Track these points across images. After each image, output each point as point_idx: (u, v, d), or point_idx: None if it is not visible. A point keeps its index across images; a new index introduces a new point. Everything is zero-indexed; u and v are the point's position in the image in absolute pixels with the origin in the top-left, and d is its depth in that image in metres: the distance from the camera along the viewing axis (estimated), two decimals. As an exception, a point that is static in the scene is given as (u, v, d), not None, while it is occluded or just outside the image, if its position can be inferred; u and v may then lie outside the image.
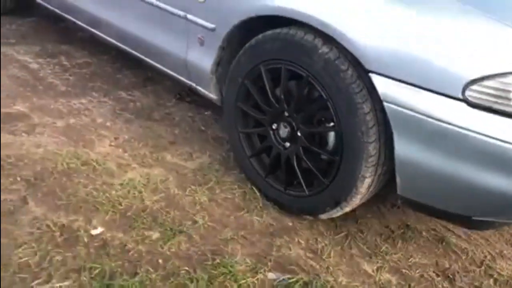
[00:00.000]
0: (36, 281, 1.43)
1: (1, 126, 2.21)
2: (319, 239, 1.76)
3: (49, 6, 2.82)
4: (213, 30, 1.83)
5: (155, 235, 1.67)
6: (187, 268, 1.54)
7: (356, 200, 1.62)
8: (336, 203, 1.65)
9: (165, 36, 2.06)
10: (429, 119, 1.37)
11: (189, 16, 1.90)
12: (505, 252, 1.87)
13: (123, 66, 2.93)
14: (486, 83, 1.29)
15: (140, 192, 1.85)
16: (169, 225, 1.72)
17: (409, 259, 1.74)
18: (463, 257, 1.79)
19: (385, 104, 1.43)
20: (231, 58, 1.85)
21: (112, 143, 2.17)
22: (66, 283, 1.43)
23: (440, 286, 1.65)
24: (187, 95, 2.65)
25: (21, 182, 1.86)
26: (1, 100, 2.43)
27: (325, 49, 1.53)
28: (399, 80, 1.39)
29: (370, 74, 1.44)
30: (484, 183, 1.36)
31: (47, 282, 1.43)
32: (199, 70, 1.97)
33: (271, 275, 1.55)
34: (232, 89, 1.85)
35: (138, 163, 2.05)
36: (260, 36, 1.70)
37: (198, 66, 1.97)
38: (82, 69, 2.89)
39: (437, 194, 1.48)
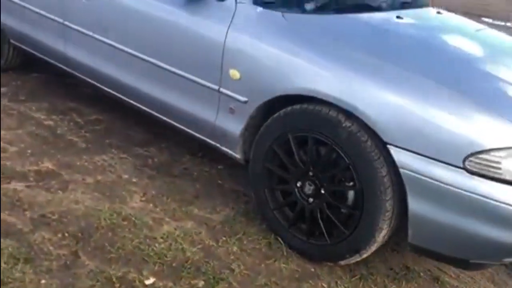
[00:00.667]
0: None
1: (36, 183, 2.41)
2: (338, 282, 2.05)
3: (66, 69, 3.02)
4: (245, 102, 2.14)
5: (201, 283, 1.92)
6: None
7: (373, 248, 1.94)
8: (356, 251, 1.95)
9: (195, 103, 2.34)
10: (437, 182, 1.71)
11: (222, 90, 2.20)
12: (488, 288, 2.23)
13: (133, 122, 3.16)
14: (481, 155, 1.66)
15: (180, 244, 2.09)
16: (211, 273, 1.96)
17: (413, 297, 2.06)
18: (456, 294, 2.13)
19: (400, 169, 1.77)
20: (259, 124, 2.16)
21: (143, 199, 2.40)
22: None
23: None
24: (198, 151, 2.91)
25: (69, 238, 2.06)
26: (28, 158, 2.63)
27: (348, 123, 1.87)
28: (412, 151, 1.74)
29: (388, 146, 1.78)
30: (481, 234, 1.71)
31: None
32: (228, 134, 2.26)
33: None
34: (259, 151, 2.15)
35: (170, 217, 2.29)
36: (288, 109, 2.02)
37: (227, 131, 2.25)
38: (95, 126, 3.10)
39: (442, 242, 1.81)
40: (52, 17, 2.91)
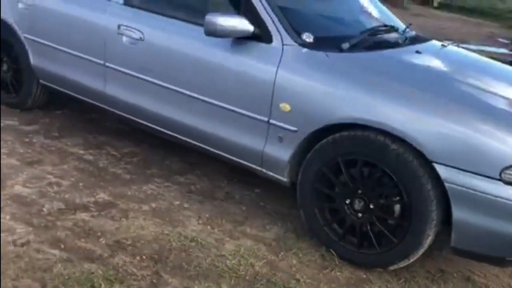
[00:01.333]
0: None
1: (99, 213, 2.62)
2: (388, 286, 2.34)
3: (103, 106, 3.23)
4: (295, 131, 2.43)
5: (273, 293, 2.17)
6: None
7: (420, 252, 2.24)
8: (405, 256, 2.25)
9: (243, 134, 2.61)
10: (477, 193, 2.04)
11: (272, 121, 2.49)
12: (511, 283, 2.56)
13: (166, 153, 3.40)
14: (515, 168, 2.01)
15: (247, 259, 2.33)
16: (281, 284, 2.22)
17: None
18: (487, 290, 2.45)
19: (445, 184, 2.09)
20: (305, 150, 2.45)
21: (199, 222, 2.64)
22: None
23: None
24: (233, 176, 3.17)
25: (147, 260, 2.28)
26: (83, 190, 2.83)
27: (394, 146, 2.18)
28: (455, 167, 2.07)
29: (433, 163, 2.11)
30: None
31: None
32: (276, 160, 2.54)
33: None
34: (308, 174, 2.44)
35: (229, 237, 2.53)
36: (337, 135, 2.32)
37: (276, 157, 2.53)
38: (132, 158, 3.32)
39: (481, 244, 2.13)
40: (92, 59, 3.13)
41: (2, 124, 3.56)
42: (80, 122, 3.77)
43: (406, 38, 2.92)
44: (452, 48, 3.14)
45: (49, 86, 3.60)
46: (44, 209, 2.59)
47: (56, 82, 3.49)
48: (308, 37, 2.49)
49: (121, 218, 2.59)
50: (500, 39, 14.51)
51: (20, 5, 3.45)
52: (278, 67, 2.43)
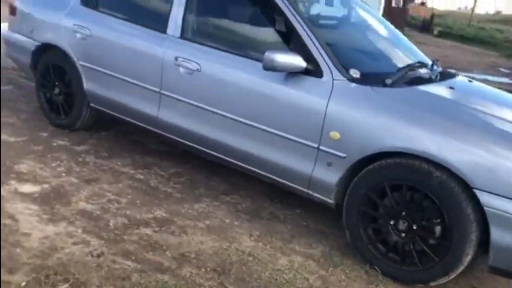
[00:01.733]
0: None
1: (160, 228, 2.86)
2: (428, 300, 2.58)
3: (154, 129, 3.49)
4: (343, 157, 2.69)
5: (329, 303, 2.40)
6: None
7: (460, 270, 2.49)
8: (446, 274, 2.49)
9: (292, 158, 2.87)
10: (513, 216, 2.30)
11: (322, 148, 2.75)
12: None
13: (209, 173, 3.66)
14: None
15: (301, 274, 2.57)
16: (334, 296, 2.45)
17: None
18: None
19: (484, 208, 2.35)
20: (352, 175, 2.71)
21: (251, 238, 2.88)
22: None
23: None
24: (275, 197, 3.42)
25: (211, 272, 2.52)
26: (141, 207, 3.07)
27: (438, 173, 2.44)
28: (494, 193, 2.33)
29: (474, 190, 2.37)
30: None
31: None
32: (324, 183, 2.79)
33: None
34: (355, 197, 2.69)
35: (280, 253, 2.77)
36: (383, 162, 2.58)
37: (323, 181, 2.78)
38: (179, 178, 3.57)
39: (516, 263, 2.38)
40: (148, 86, 3.41)
41: (54, 144, 3.82)
42: (125, 144, 4.03)
43: (436, 74, 3.20)
44: (476, 83, 3.42)
45: (99, 109, 3.86)
46: (110, 224, 2.83)
47: (107, 106, 3.75)
48: (355, 73, 2.77)
49: (181, 234, 2.83)
50: (502, 69, 14.93)
51: (78, 35, 3.73)
52: (329, 99, 2.71)
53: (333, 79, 2.74)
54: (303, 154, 2.83)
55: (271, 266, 2.61)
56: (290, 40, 2.90)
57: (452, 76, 3.39)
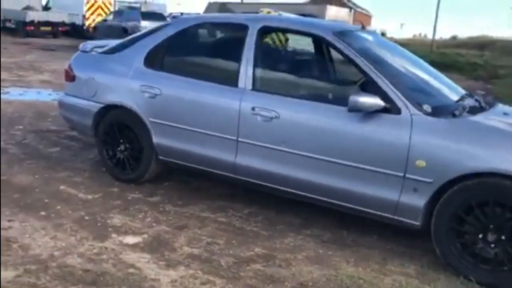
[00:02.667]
0: None
1: (267, 263, 3.12)
2: (523, 301, 2.90)
3: (229, 174, 3.79)
4: (430, 183, 3.04)
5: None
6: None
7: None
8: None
9: (378, 187, 3.21)
10: None
11: (408, 176, 3.10)
12: None
13: (279, 211, 3.93)
14: None
15: (410, 289, 2.87)
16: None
17: None
18: None
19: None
20: (438, 197, 3.05)
21: (350, 265, 3.16)
22: None
23: None
24: (349, 227, 3.72)
25: (329, 296, 2.79)
26: (239, 246, 3.32)
27: (518, 186, 2.82)
28: None
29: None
30: None
31: None
32: (411, 208, 3.13)
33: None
34: (444, 216, 3.03)
35: (382, 274, 3.05)
36: (469, 182, 2.95)
37: (410, 205, 3.12)
38: (256, 217, 3.83)
39: None
40: (224, 135, 3.72)
41: (129, 198, 4.06)
42: (190, 191, 4.29)
43: (486, 103, 3.63)
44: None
45: (168, 161, 4.13)
46: (223, 263, 3.07)
47: (179, 157, 4.03)
48: (427, 108, 3.16)
49: (288, 266, 3.09)
50: (478, 91, 15.79)
51: (146, 95, 4.04)
52: (411, 132, 3.08)
53: (411, 115, 3.12)
54: (388, 183, 3.17)
55: (382, 286, 2.89)
56: (365, 84, 3.28)
57: (495, 104, 3.82)
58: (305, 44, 4.23)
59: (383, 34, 41.09)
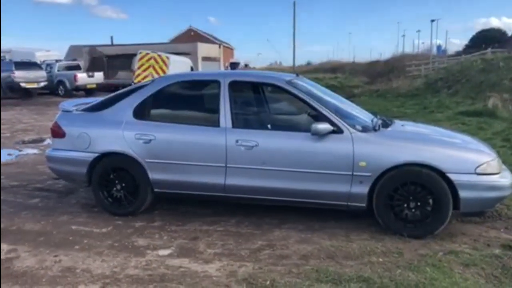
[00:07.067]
0: None
1: (271, 249, 4.39)
2: None
3: (220, 194, 5.00)
4: (369, 176, 4.59)
5: None
6: None
7: (442, 227, 4.53)
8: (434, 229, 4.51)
9: (332, 185, 4.66)
10: None
11: (355, 173, 4.62)
12: None
13: (260, 215, 5.22)
14: None
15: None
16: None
17: None
18: None
19: (454, 181, 4.44)
20: (374, 185, 4.62)
21: (327, 240, 4.56)
22: None
23: None
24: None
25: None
26: (246, 242, 4.55)
27: (425, 170, 4.50)
28: (455, 172, 4.44)
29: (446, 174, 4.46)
30: None
31: None
32: (358, 195, 4.62)
33: None
34: (381, 197, 4.57)
35: (350, 242, 4.50)
36: (393, 172, 4.52)
37: (358, 193, 4.62)
38: (244, 223, 5.05)
39: None
40: (214, 164, 4.92)
41: (136, 225, 5.02)
42: (182, 214, 5.36)
43: (388, 120, 5.36)
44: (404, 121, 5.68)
45: (163, 192, 5.19)
46: (243, 254, 4.25)
47: (173, 187, 5.11)
48: (359, 127, 4.73)
49: (287, 248, 4.37)
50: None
51: (141, 141, 5.08)
52: (353, 144, 4.61)
53: (350, 133, 4.67)
54: (342, 181, 4.66)
55: (351, 249, 4.34)
56: (316, 116, 4.77)
57: (393, 120, 5.56)
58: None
59: (246, 65, 44.09)
